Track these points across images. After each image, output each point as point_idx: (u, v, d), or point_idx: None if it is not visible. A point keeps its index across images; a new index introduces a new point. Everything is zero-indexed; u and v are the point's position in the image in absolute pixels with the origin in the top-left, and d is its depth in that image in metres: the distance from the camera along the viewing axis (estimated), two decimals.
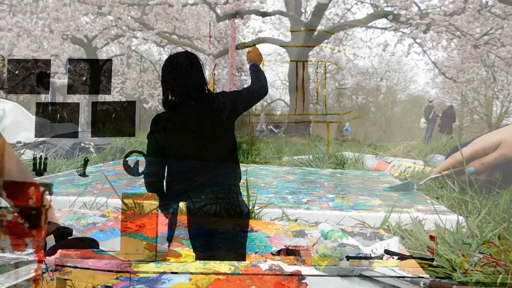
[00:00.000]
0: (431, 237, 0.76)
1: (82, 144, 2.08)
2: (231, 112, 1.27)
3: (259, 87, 1.35)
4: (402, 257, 0.61)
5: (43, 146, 1.94)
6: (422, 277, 0.56)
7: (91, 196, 1.20)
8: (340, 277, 0.55)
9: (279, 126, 8.24)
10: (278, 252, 0.77)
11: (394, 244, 0.73)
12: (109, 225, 0.90)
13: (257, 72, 1.37)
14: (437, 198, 1.21)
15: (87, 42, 8.36)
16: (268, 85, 1.42)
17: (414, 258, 0.61)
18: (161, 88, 1.27)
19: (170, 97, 1.23)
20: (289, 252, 0.73)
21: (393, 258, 0.61)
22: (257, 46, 1.50)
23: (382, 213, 1.09)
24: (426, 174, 1.74)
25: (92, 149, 2.10)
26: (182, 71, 1.20)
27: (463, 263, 0.59)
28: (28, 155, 1.75)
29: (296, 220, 1.15)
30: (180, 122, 1.22)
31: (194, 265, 0.56)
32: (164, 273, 0.55)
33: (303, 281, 0.55)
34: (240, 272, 0.55)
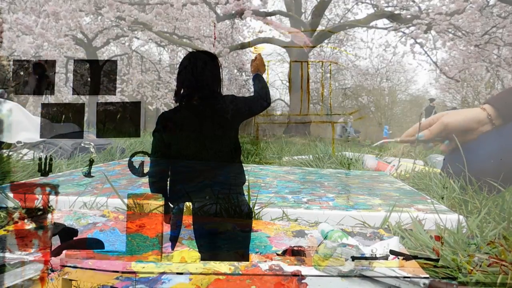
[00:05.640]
0: (437, 237, 0.76)
1: (82, 144, 2.08)
2: (238, 116, 1.30)
3: (262, 98, 1.39)
4: (407, 257, 0.61)
5: (43, 146, 1.94)
6: (423, 277, 0.56)
7: (91, 196, 1.20)
8: (340, 277, 0.55)
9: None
10: (284, 252, 0.77)
11: (394, 244, 0.73)
12: (109, 225, 0.90)
13: (260, 83, 1.42)
14: (442, 198, 1.21)
15: (87, 42, 8.35)
16: (268, 85, 1.45)
17: (420, 258, 0.61)
18: (163, 90, 1.29)
19: (182, 91, 1.25)
20: (294, 252, 0.73)
21: (398, 258, 0.61)
22: (258, 46, 1.52)
23: (382, 213, 1.09)
24: (426, 174, 1.74)
25: (92, 149, 2.10)
26: (200, 70, 1.23)
27: (469, 262, 0.58)
28: (28, 155, 1.75)
29: (296, 220, 1.15)
30: (187, 121, 1.23)
31: (194, 265, 0.56)
32: (164, 273, 0.55)
33: (303, 281, 0.55)
34: (240, 272, 0.55)
